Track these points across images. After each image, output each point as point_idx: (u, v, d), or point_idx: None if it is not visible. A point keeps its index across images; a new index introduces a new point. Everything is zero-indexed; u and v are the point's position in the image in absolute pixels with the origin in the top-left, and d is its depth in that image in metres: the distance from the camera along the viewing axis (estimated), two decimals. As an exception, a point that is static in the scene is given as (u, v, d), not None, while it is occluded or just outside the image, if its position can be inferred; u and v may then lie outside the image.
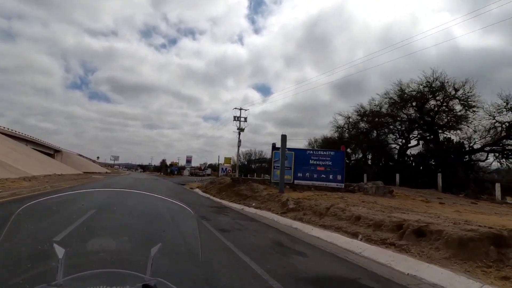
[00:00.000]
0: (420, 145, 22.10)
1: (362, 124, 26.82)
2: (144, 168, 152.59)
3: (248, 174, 38.02)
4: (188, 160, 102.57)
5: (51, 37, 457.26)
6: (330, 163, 15.43)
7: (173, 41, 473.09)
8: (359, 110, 26.07)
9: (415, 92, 20.14)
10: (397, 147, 23.78)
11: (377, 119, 24.49)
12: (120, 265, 0.86)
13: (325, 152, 15.90)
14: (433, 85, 18.98)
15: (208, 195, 17.77)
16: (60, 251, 0.78)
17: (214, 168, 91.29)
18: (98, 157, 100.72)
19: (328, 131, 32.91)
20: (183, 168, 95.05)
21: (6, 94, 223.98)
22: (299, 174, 15.39)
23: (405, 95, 20.60)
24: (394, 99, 21.72)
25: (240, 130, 31.10)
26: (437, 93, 19.02)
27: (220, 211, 10.72)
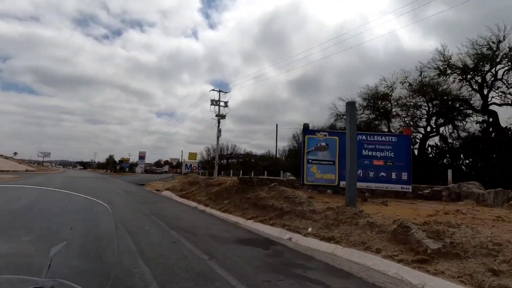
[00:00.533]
0: (448, 132, 18.47)
1: (367, 112, 22.55)
2: (85, 165, 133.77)
3: (222, 172, 31.66)
4: (141, 156, 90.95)
5: None
6: (391, 154, 10.32)
7: (117, 32, 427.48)
8: (367, 94, 21.74)
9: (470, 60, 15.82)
10: (419, 136, 19.85)
11: (390, 104, 20.43)
12: (16, 269, 0.79)
13: (384, 138, 10.65)
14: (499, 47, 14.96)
15: (195, 204, 11.34)
16: None
17: (171, 165, 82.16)
18: (15, 153, 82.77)
19: (324, 120, 28.13)
20: (135, 165, 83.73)
21: None
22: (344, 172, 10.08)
23: (450, 64, 16.49)
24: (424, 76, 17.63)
25: (220, 117, 24.54)
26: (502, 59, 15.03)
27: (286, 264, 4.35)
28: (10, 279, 0.75)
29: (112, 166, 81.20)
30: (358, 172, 9.94)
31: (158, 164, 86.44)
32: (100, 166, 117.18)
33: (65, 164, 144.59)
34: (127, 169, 69.87)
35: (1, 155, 73.71)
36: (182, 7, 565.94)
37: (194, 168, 53.46)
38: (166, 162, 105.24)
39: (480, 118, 16.60)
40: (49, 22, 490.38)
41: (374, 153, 10.21)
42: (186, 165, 53.87)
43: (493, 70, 15.69)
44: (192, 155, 55.61)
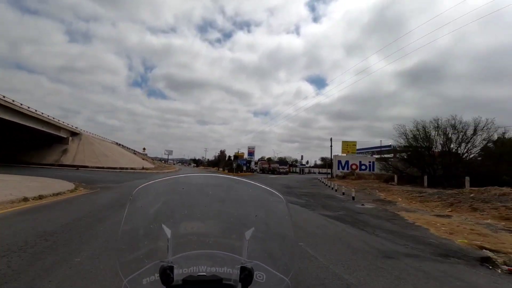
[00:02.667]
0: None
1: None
2: (198, 162, 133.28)
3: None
4: (250, 152, 76.00)
5: (117, 36, 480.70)
6: None
7: (227, 35, 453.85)
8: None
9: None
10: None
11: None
12: (217, 247, 0.88)
13: None
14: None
15: None
16: (168, 231, 0.83)
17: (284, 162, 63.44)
18: (144, 148, 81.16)
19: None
20: (248, 161, 68.90)
21: (81, 92, 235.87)
22: None
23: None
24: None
25: None
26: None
27: None
28: (221, 254, 0.84)
29: (225, 163, 67.91)
30: None
31: (279, 161, 69.39)
32: (210, 163, 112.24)
33: (182, 161, 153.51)
34: (244, 167, 54.04)
35: (134, 151, 73.09)
36: (288, 2, 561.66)
37: (355, 167, 32.25)
38: (269, 159, 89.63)
39: None
40: (181, 32, 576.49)
41: None
42: (340, 162, 33.26)
43: None
44: (350, 145, 33.94)
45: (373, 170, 31.10)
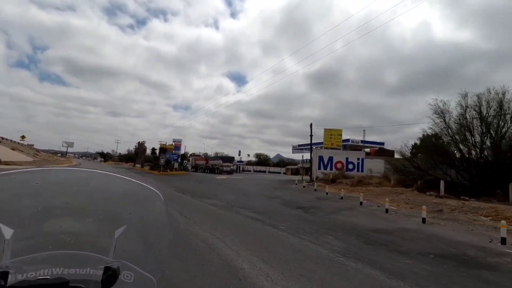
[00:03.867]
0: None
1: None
2: (106, 156, 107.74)
3: None
4: (177, 146, 61.93)
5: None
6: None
7: (141, 22, 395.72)
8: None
9: None
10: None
11: None
12: (81, 247, 0.80)
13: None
14: None
15: None
16: (7, 231, 0.74)
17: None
18: (24, 137, 57.90)
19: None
20: (181, 156, 55.35)
21: None
22: None
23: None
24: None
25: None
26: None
27: None
28: (81, 254, 0.77)
29: (147, 158, 52.46)
30: None
31: (222, 157, 57.80)
32: (123, 158, 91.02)
33: (86, 155, 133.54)
34: (174, 164, 40.71)
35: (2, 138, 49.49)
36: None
37: (341, 166, 24.37)
38: (206, 155, 78.45)
39: None
40: (82, 12, 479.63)
41: None
42: (322, 159, 24.85)
43: None
44: (335, 136, 26.13)
45: (362, 170, 24.04)
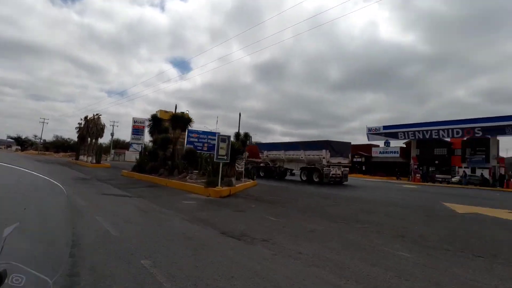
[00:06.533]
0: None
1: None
2: (24, 144, 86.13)
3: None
4: (138, 128, 52.18)
5: None
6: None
7: None
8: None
9: None
10: None
11: None
12: None
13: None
14: None
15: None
16: None
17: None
18: None
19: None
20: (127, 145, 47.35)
21: None
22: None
23: None
24: None
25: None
26: None
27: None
28: None
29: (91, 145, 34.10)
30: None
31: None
32: (51, 146, 75.11)
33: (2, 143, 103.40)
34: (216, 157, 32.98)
35: None
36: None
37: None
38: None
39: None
40: None
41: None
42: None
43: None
44: None
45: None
